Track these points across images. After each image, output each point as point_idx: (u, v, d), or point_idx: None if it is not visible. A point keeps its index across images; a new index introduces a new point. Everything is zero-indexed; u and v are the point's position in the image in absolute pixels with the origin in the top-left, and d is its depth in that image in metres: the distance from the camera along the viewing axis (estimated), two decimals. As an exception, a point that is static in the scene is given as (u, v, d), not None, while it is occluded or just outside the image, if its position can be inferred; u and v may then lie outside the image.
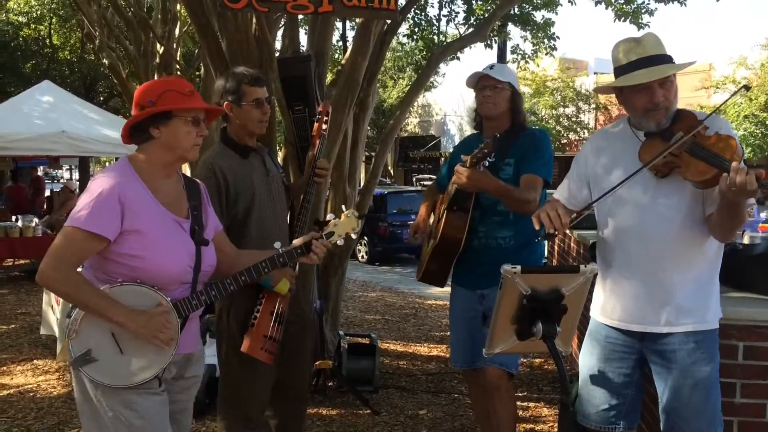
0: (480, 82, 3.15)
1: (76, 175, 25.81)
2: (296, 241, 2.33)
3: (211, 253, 2.22)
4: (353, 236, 2.41)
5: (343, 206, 2.78)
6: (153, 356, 2.06)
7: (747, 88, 2.64)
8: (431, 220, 3.37)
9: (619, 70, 2.34)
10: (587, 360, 2.52)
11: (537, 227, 2.30)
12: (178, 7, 8.91)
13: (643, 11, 7.94)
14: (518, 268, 1.68)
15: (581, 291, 1.78)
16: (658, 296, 2.33)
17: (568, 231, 5.84)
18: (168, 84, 2.17)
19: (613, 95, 2.45)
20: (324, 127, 3.15)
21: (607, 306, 2.45)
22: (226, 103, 2.85)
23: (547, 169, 3.03)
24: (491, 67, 3.17)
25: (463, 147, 3.30)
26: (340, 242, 2.36)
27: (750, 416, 2.74)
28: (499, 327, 1.76)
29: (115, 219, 2.00)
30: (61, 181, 29.53)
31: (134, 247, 2.03)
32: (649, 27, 8.09)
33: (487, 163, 2.96)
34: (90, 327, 2.01)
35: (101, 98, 19.39)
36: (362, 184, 6.47)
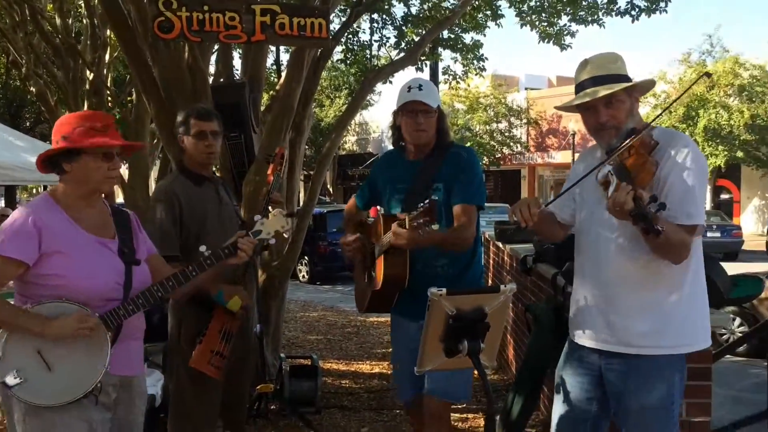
0: (409, 105, 2.88)
1: (1, 203, 24.79)
2: (228, 243, 2.34)
3: (143, 272, 2.26)
4: (285, 235, 2.43)
5: (270, 207, 2.81)
6: (84, 371, 2.06)
7: (708, 75, 2.72)
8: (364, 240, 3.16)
9: (575, 91, 2.37)
10: (559, 373, 2.55)
11: (512, 221, 2.31)
12: (108, 32, 8.81)
13: (565, 33, 8.34)
14: (443, 290, 1.81)
15: (502, 309, 1.92)
16: (607, 315, 2.32)
17: (501, 245, 6.07)
18: (82, 119, 2.19)
19: (559, 116, 2.55)
20: (278, 169, 3.34)
21: (572, 321, 2.50)
22: (179, 134, 3.04)
23: (480, 194, 2.92)
24: (420, 87, 2.91)
25: (384, 166, 3.16)
26: (272, 241, 2.37)
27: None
28: (429, 346, 1.88)
29: (31, 243, 2.05)
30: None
31: (56, 267, 2.08)
32: (571, 48, 8.51)
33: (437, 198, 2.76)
34: (15, 347, 2.02)
35: (27, 124, 18.79)
36: (301, 204, 6.55)
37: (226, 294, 2.89)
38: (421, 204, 2.49)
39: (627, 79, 2.31)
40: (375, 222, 3.04)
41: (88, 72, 8.34)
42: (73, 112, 2.48)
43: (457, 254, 2.90)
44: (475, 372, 1.99)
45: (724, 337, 7.34)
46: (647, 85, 2.43)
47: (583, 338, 2.42)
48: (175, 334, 3.06)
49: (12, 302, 2.17)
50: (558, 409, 2.54)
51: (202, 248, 2.30)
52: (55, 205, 2.16)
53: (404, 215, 2.61)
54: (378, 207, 3.27)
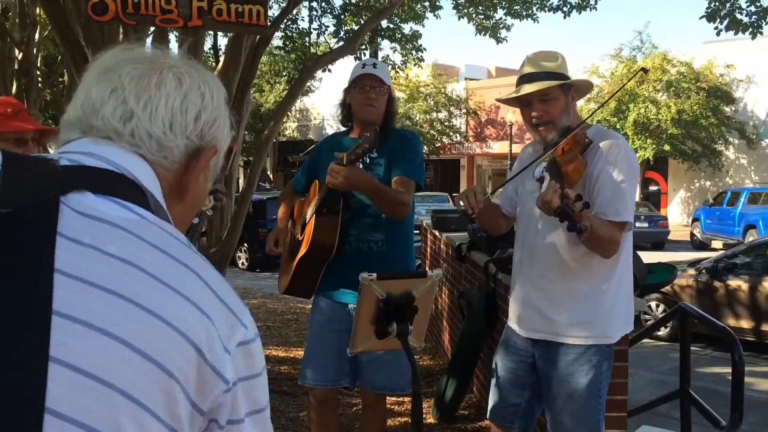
0: (362, 80, 2.87)
1: None
2: None
3: None
4: (209, 213, 2.43)
5: (212, 196, 2.85)
6: None
7: (645, 70, 2.78)
8: (290, 225, 3.15)
9: (516, 84, 2.43)
10: (495, 359, 2.63)
11: (459, 207, 2.35)
12: (38, 10, 8.51)
13: (501, 26, 8.53)
14: (374, 275, 1.89)
15: (430, 293, 2.01)
16: (540, 306, 2.41)
17: (438, 233, 6.21)
18: None
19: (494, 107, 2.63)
20: (228, 162, 3.33)
21: (510, 311, 2.59)
22: None
23: (419, 172, 2.92)
24: (374, 65, 2.94)
25: (326, 147, 3.10)
26: (195, 220, 2.38)
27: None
28: (360, 328, 1.96)
29: None
30: None
31: None
32: (506, 41, 8.70)
33: (367, 161, 2.80)
34: None
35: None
36: (240, 190, 6.53)
37: None
38: (360, 138, 2.49)
39: (564, 77, 2.37)
40: (311, 191, 2.99)
41: (17, 51, 8.04)
42: None
43: (394, 231, 2.88)
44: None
45: (649, 323, 7.71)
46: (584, 85, 2.50)
47: (518, 326, 2.51)
48: None
49: None
50: (493, 394, 2.63)
51: None
52: None
53: (341, 154, 2.60)
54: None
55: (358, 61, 3.05)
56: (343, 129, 3.16)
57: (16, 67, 7.99)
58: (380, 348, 2.00)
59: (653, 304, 8.13)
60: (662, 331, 7.57)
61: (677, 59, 24.74)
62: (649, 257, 3.43)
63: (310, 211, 2.88)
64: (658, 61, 24.20)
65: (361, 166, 2.73)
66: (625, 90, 23.86)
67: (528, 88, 2.32)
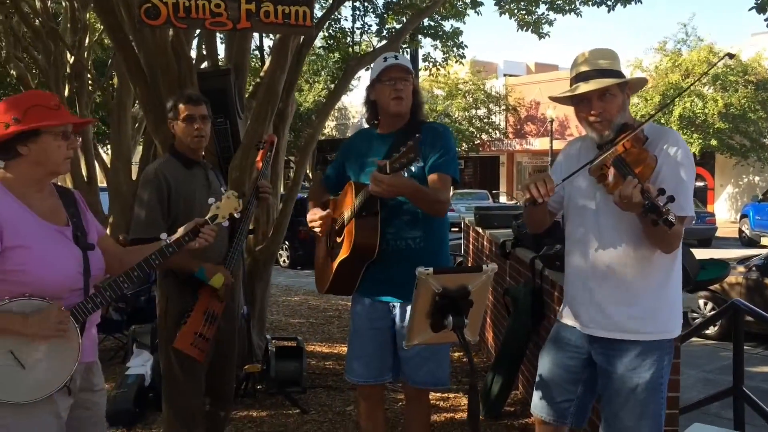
0: (388, 72, 2.85)
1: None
2: (180, 230, 2.34)
3: (98, 256, 2.21)
4: (236, 215, 2.47)
5: (222, 188, 2.85)
6: (57, 366, 2.03)
7: (731, 56, 2.76)
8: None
9: (571, 83, 2.46)
10: (544, 355, 2.64)
11: (528, 196, 2.31)
12: (88, 15, 8.75)
13: (543, 21, 8.46)
14: (431, 269, 1.93)
15: (484, 287, 2.04)
16: (602, 302, 2.41)
17: (481, 230, 6.21)
18: (33, 98, 2.12)
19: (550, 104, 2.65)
20: (267, 155, 3.41)
21: (564, 307, 2.59)
22: (169, 119, 3.11)
23: (454, 167, 2.90)
24: (395, 57, 2.91)
25: (355, 143, 3.10)
26: (225, 224, 2.43)
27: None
28: (416, 321, 2.00)
29: None
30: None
31: (19, 262, 2.00)
32: (549, 36, 8.64)
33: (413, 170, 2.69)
34: None
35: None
36: (285, 189, 6.61)
37: (207, 271, 2.96)
38: (403, 147, 2.47)
39: (621, 75, 2.40)
40: (342, 194, 2.97)
41: (68, 55, 8.28)
42: (14, 95, 2.34)
43: (430, 227, 2.89)
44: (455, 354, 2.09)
45: (697, 320, 7.57)
46: (640, 83, 2.53)
47: (576, 323, 2.51)
48: (162, 313, 3.14)
49: None
50: (541, 390, 2.62)
51: (163, 236, 2.32)
52: (8, 194, 2.05)
53: (384, 162, 2.56)
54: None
55: (378, 58, 3.00)
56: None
57: (68, 70, 8.23)
58: (436, 341, 2.04)
59: (701, 302, 7.97)
60: (710, 330, 7.42)
61: (723, 51, 24.10)
62: (697, 255, 3.38)
63: (348, 214, 2.86)
64: (704, 54, 23.64)
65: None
66: (671, 84, 23.39)
67: (588, 87, 2.34)
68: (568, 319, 2.57)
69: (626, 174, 2.15)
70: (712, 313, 7.62)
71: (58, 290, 2.05)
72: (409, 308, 2.66)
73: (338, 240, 2.95)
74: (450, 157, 2.89)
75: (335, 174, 3.14)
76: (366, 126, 3.18)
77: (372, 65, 3.00)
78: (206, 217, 2.36)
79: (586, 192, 2.43)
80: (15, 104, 2.07)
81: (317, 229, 3.01)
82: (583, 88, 2.35)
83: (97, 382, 2.29)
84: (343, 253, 2.84)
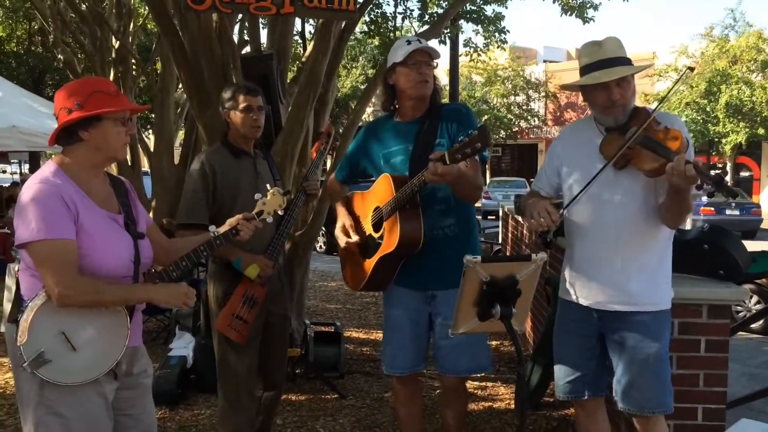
0: (415, 55, 2.80)
1: (25, 169, 25.12)
2: (229, 221, 2.41)
3: (147, 245, 2.25)
4: (280, 212, 2.52)
5: (268, 185, 2.92)
6: (106, 349, 2.08)
7: (691, 69, 2.86)
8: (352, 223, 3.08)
9: (583, 70, 2.57)
10: (556, 338, 2.78)
11: (536, 230, 2.52)
12: (133, 0, 8.87)
13: (588, 6, 8.29)
14: (478, 258, 1.91)
15: (533, 276, 2.01)
16: (612, 279, 2.56)
17: (521, 219, 6.13)
18: (94, 84, 2.15)
19: (570, 92, 2.74)
20: (323, 147, 3.41)
21: (570, 286, 2.70)
22: (225, 109, 3.15)
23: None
24: (420, 41, 2.86)
25: (373, 133, 3.03)
26: (269, 219, 2.48)
27: (685, 385, 3.04)
28: (463, 310, 1.99)
29: (69, 220, 2.01)
30: (12, 174, 28.65)
31: (80, 246, 2.03)
32: (594, 21, 8.46)
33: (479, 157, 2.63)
34: (39, 329, 1.99)
35: (50, 92, 18.95)
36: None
37: (243, 261, 3.01)
38: (463, 136, 2.44)
39: (631, 62, 2.55)
40: (376, 185, 2.92)
41: (113, 40, 8.41)
42: (74, 80, 2.39)
43: (462, 213, 2.87)
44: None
45: (741, 313, 7.39)
46: (644, 69, 2.75)
47: (585, 299, 2.63)
48: (210, 295, 3.21)
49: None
50: (559, 371, 2.75)
51: (212, 228, 2.39)
52: (68, 179, 2.07)
53: (438, 153, 2.51)
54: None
55: (397, 41, 2.95)
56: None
57: (113, 55, 8.36)
58: (483, 330, 2.02)
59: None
60: (755, 324, 7.24)
61: (775, 37, 23.36)
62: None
63: (387, 208, 2.82)
64: (753, 40, 22.93)
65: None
66: (716, 71, 22.76)
67: (614, 74, 2.45)
68: (578, 297, 2.66)
69: (663, 151, 2.32)
70: (758, 306, 7.43)
71: (113, 277, 2.09)
72: (448, 296, 2.72)
73: (376, 235, 2.92)
74: None
75: (348, 168, 3.13)
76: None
77: (393, 48, 2.94)
78: (253, 212, 2.43)
79: (590, 173, 2.52)
80: (77, 90, 2.10)
81: (342, 244, 3.05)
82: (603, 76, 2.46)
83: (144, 365, 2.34)
84: (387, 248, 2.81)
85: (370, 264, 2.92)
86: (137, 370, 2.29)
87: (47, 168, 2.11)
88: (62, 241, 1.98)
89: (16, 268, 2.27)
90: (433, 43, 6.59)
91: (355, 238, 2.99)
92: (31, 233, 1.97)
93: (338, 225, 3.09)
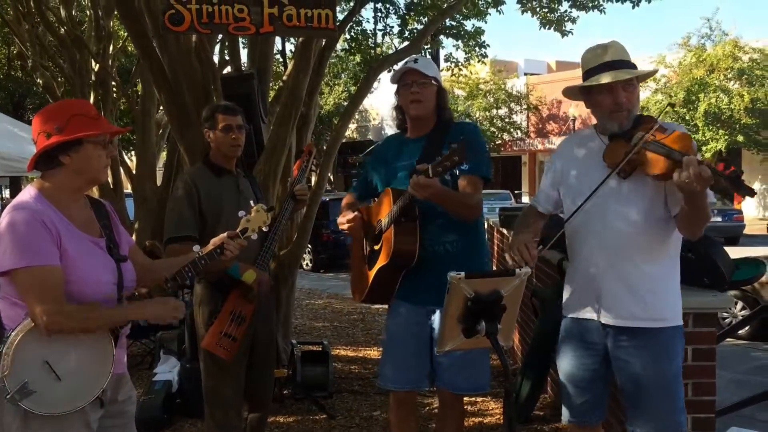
0: (405, 77, 2.89)
1: (6, 194, 24.83)
2: (214, 240, 2.40)
3: (130, 268, 2.23)
4: (264, 229, 2.51)
5: (251, 202, 2.88)
6: (91, 377, 2.04)
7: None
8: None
9: (587, 74, 2.50)
10: (561, 360, 2.64)
11: (510, 265, 2.34)
12: (113, 23, 8.84)
13: (566, 19, 8.38)
14: (462, 274, 1.89)
15: (518, 291, 2.00)
16: (619, 292, 2.44)
17: (506, 231, 6.13)
18: (72, 107, 2.12)
19: (572, 100, 2.66)
20: (304, 164, 3.42)
21: (573, 301, 2.59)
22: (205, 129, 3.16)
23: (486, 166, 2.89)
24: (415, 60, 2.94)
25: (385, 150, 3.10)
26: (254, 237, 2.47)
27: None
28: (448, 327, 1.97)
29: (52, 245, 1.98)
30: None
31: (63, 271, 2.00)
32: (572, 34, 8.55)
33: (456, 173, 2.73)
34: (23, 359, 1.95)
35: (30, 116, 18.80)
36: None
37: (241, 267, 2.99)
38: (445, 151, 2.46)
39: (636, 66, 2.48)
40: (378, 201, 2.97)
41: (93, 63, 8.37)
42: (53, 104, 2.38)
43: (465, 229, 2.86)
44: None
45: (727, 320, 7.43)
46: (649, 75, 2.69)
47: (591, 315, 2.51)
48: (197, 317, 3.19)
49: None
50: (566, 393, 2.63)
51: (196, 248, 2.38)
52: (49, 204, 2.04)
53: (425, 166, 2.51)
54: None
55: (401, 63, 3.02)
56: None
57: (93, 78, 8.31)
58: (468, 347, 2.00)
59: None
60: (741, 330, 7.28)
61: (749, 46, 23.73)
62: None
63: (386, 221, 2.85)
64: (729, 49, 23.27)
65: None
66: (695, 80, 23.06)
67: (620, 75, 2.38)
68: (582, 313, 2.55)
69: (673, 152, 2.21)
70: (743, 312, 7.48)
71: (96, 301, 2.06)
72: None
73: (376, 248, 2.93)
74: (481, 158, 2.86)
75: (364, 184, 3.15)
76: (387, 127, 3.19)
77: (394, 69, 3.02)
78: (237, 230, 2.41)
79: (593, 184, 2.44)
80: (56, 114, 2.08)
81: (345, 227, 3.01)
82: (610, 77, 2.39)
83: (128, 392, 2.30)
84: (382, 261, 2.83)
85: (370, 275, 2.94)
86: (122, 397, 2.25)
87: (27, 193, 2.08)
88: (47, 268, 1.95)
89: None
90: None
91: (351, 215, 2.98)
92: (13, 260, 1.94)
93: (342, 216, 3.05)
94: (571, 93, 2.63)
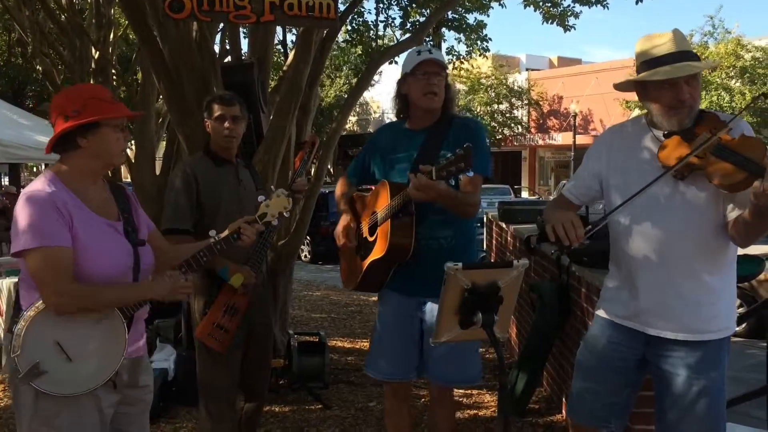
0: (423, 67, 2.78)
1: (5, 181, 24.86)
2: (231, 225, 2.35)
3: (148, 252, 2.24)
4: (285, 215, 2.46)
5: (272, 186, 2.86)
6: (103, 360, 2.05)
7: (766, 95, 2.70)
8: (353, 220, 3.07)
9: (645, 65, 2.24)
10: (586, 357, 2.49)
11: (552, 239, 2.21)
12: (113, 10, 8.80)
13: (569, 14, 8.35)
14: (460, 265, 1.88)
15: (515, 283, 1.99)
16: (669, 301, 2.26)
17: (504, 225, 6.13)
18: (89, 91, 2.16)
19: (623, 91, 2.41)
20: (306, 156, 3.42)
21: (614, 304, 2.42)
22: (205, 118, 3.16)
23: (486, 164, 2.85)
24: (430, 51, 2.83)
25: (384, 137, 3.04)
26: (275, 222, 2.42)
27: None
28: (444, 318, 1.96)
29: (63, 227, 2.00)
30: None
31: (75, 253, 2.02)
32: (575, 29, 8.51)
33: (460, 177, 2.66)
34: (34, 340, 1.98)
35: (30, 103, 18.75)
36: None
37: (230, 270, 2.99)
38: (451, 154, 2.41)
39: (698, 58, 2.26)
40: (376, 189, 2.93)
41: (93, 51, 8.34)
42: (70, 87, 2.41)
43: (460, 226, 2.85)
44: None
45: (723, 317, 7.42)
46: (715, 67, 2.44)
47: (633, 321, 2.35)
48: (193, 306, 3.19)
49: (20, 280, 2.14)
50: (584, 393, 2.48)
51: (212, 233, 2.33)
52: (63, 187, 2.07)
53: (428, 167, 2.47)
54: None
55: (409, 51, 2.93)
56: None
57: (93, 66, 8.28)
58: (464, 338, 2.00)
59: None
60: (738, 327, 7.29)
61: (752, 44, 23.67)
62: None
63: (382, 214, 2.82)
64: (732, 47, 23.21)
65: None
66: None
67: (686, 68, 2.15)
68: (623, 319, 2.38)
69: (749, 164, 1.99)
70: (740, 310, 7.49)
71: (108, 283, 2.08)
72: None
73: (370, 239, 2.91)
74: (483, 156, 2.81)
75: (360, 168, 3.11)
76: (388, 120, 3.14)
77: (404, 57, 2.94)
78: (255, 215, 2.37)
79: (643, 182, 2.22)
80: (73, 97, 2.10)
81: (340, 244, 3.00)
82: (675, 71, 2.15)
83: (145, 379, 2.30)
84: (377, 253, 2.81)
85: (363, 265, 2.92)
86: (142, 382, 2.27)
87: (43, 177, 2.12)
88: (57, 249, 1.98)
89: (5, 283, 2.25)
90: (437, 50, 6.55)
91: (352, 242, 2.98)
92: (26, 241, 1.97)
93: (341, 223, 3.04)
94: (624, 86, 2.40)
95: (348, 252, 3.08)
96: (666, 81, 2.18)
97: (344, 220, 3.04)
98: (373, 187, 2.98)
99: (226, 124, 3.09)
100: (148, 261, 2.23)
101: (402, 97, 2.91)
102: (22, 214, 2.01)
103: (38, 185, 2.06)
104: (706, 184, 2.16)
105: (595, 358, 2.45)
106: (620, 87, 2.43)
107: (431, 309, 2.82)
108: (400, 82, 2.90)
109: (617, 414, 2.45)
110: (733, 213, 2.19)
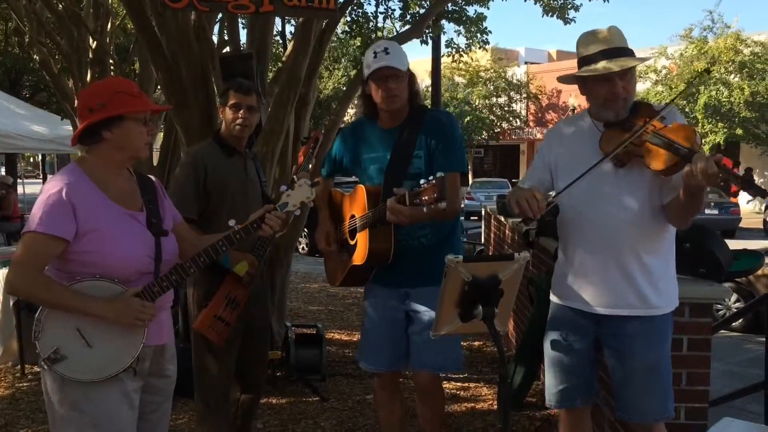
0: (379, 72, 2.75)
1: (2, 171, 24.78)
2: (252, 215, 2.33)
3: (171, 242, 2.26)
4: (309, 204, 2.41)
5: (295, 176, 2.84)
6: (122, 346, 2.08)
7: (708, 71, 2.83)
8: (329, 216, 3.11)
9: (583, 61, 2.40)
10: (548, 343, 2.61)
11: (516, 212, 2.32)
12: (111, 0, 8.74)
13: (569, 7, 8.31)
14: (460, 257, 1.87)
15: (516, 276, 1.98)
16: (615, 282, 2.41)
17: (503, 219, 6.12)
18: (116, 85, 2.19)
19: (566, 85, 2.59)
20: (310, 151, 3.39)
21: (565, 289, 2.55)
22: (220, 105, 3.16)
23: (461, 160, 2.86)
24: (386, 51, 2.78)
25: (354, 135, 3.01)
26: (297, 212, 2.36)
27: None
28: (444, 311, 1.95)
29: (68, 219, 2.02)
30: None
31: (90, 244, 2.05)
32: (575, 22, 8.49)
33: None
34: (54, 325, 2.03)
35: (27, 93, 18.66)
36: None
37: (232, 258, 2.95)
38: (424, 181, 2.42)
39: (634, 53, 2.39)
40: (354, 193, 2.93)
41: (91, 40, 8.28)
42: (99, 81, 2.45)
43: (440, 224, 2.84)
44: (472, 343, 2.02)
45: (721, 312, 7.45)
46: (646, 61, 2.68)
47: (582, 303, 2.49)
48: (190, 297, 3.16)
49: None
50: (551, 377, 2.61)
51: (231, 222, 2.30)
52: (84, 178, 2.11)
53: (402, 191, 2.50)
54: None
55: (368, 50, 2.89)
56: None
57: (90, 56, 8.23)
58: (465, 331, 1.99)
59: (725, 293, 7.82)
60: (735, 322, 7.30)
61: (751, 39, 23.63)
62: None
63: (360, 223, 2.84)
64: (731, 42, 23.18)
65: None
66: (695, 72, 23.00)
67: (622, 63, 2.30)
68: (575, 302, 2.52)
69: (680, 148, 2.16)
70: (738, 304, 7.50)
71: (126, 273, 2.10)
72: (421, 292, 2.79)
73: (351, 242, 2.94)
74: (457, 151, 2.83)
75: (331, 163, 3.11)
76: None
77: (365, 58, 2.89)
78: (276, 204, 2.34)
79: (592, 173, 2.37)
80: (100, 91, 2.16)
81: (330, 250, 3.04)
82: (608, 66, 2.30)
83: (168, 368, 2.32)
84: (358, 260, 2.85)
85: (345, 266, 2.95)
86: (168, 372, 2.30)
87: (68, 167, 2.18)
88: (45, 236, 2.01)
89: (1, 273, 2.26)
90: (414, 43, 6.56)
91: (333, 247, 3.02)
92: (29, 225, 2.05)
93: (319, 229, 3.07)
94: (566, 79, 2.58)
95: (330, 252, 3.09)
96: (600, 75, 2.33)
97: (323, 225, 3.05)
98: (353, 187, 2.98)
99: (241, 113, 3.05)
100: (171, 252, 2.24)
101: (367, 98, 2.89)
102: (38, 199, 2.08)
103: (58, 176, 2.13)
104: (643, 169, 2.31)
105: (557, 343, 2.58)
106: (563, 80, 2.58)
107: (415, 296, 2.86)
108: (363, 83, 2.89)
109: (581, 393, 2.57)
110: (668, 196, 2.34)
